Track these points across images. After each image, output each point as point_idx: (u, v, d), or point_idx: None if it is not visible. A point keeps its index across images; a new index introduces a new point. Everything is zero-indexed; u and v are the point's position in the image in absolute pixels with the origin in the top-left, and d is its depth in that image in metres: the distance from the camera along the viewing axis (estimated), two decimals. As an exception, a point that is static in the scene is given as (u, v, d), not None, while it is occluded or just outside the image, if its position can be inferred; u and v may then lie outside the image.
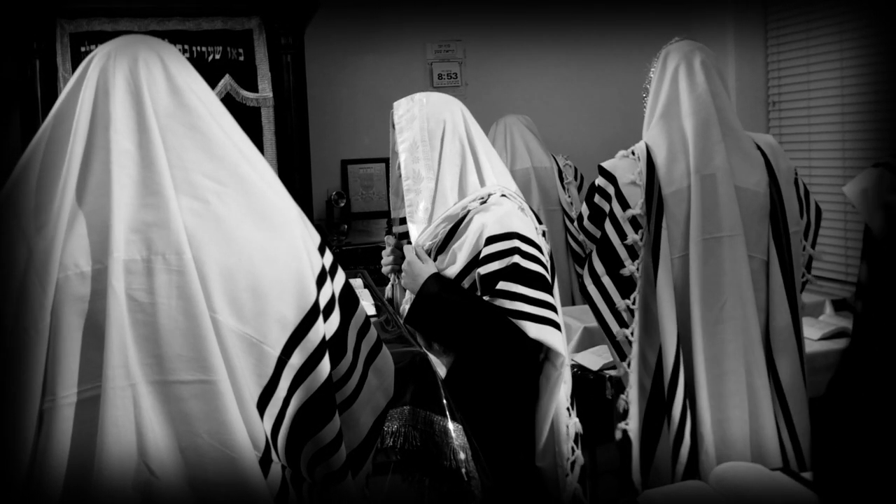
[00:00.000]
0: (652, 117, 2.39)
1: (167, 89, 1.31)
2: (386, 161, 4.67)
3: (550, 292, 2.01)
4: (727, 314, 2.26)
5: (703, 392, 2.25)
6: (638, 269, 2.29)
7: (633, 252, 2.31)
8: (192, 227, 1.26)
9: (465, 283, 2.03)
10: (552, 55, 4.96)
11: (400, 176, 2.14)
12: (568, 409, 2.06)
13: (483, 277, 1.98)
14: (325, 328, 1.34)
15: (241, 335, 1.26)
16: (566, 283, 4.05)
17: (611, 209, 2.34)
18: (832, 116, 4.14)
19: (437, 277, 2.04)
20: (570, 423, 2.05)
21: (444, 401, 1.82)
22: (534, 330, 1.94)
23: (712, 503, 1.85)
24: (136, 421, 1.22)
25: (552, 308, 2.00)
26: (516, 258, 1.96)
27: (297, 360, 1.31)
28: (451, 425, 1.80)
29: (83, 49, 3.51)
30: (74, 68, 3.48)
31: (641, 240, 2.30)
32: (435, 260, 2.08)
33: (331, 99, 4.61)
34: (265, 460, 1.28)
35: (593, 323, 3.13)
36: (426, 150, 2.09)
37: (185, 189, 1.27)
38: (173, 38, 3.55)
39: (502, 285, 1.96)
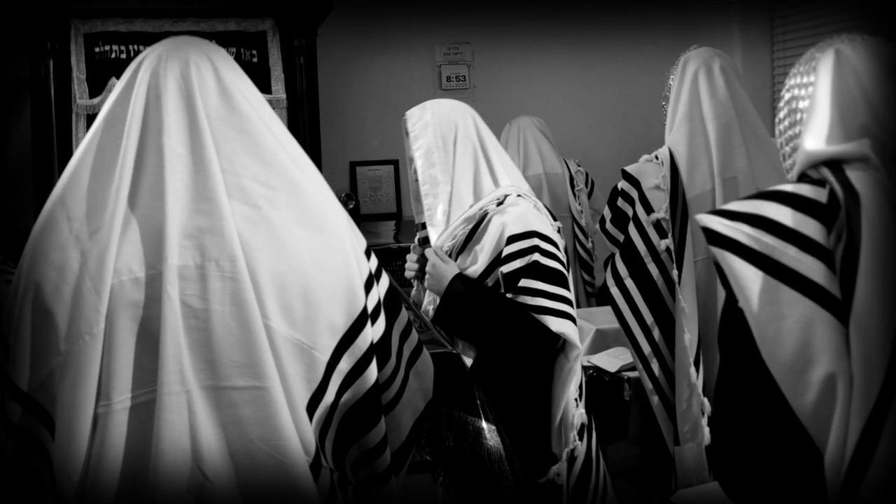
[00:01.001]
0: (673, 122, 2.44)
1: (218, 92, 1.31)
2: (394, 163, 4.68)
3: (568, 287, 2.09)
4: None
5: None
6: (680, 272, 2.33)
7: (656, 255, 2.34)
8: (245, 234, 1.26)
9: (489, 282, 2.11)
10: (560, 58, 4.97)
11: (417, 181, 2.20)
12: (576, 400, 2.11)
13: (506, 275, 2.06)
14: (372, 333, 1.35)
15: (293, 341, 1.27)
16: (573, 289, 4.07)
17: (634, 213, 2.38)
18: (839, 120, 4.15)
19: (461, 277, 2.12)
20: (577, 414, 2.10)
21: (478, 401, 1.83)
22: (555, 324, 2.03)
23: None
24: (190, 426, 1.22)
25: (570, 303, 2.08)
26: (536, 256, 2.04)
27: (345, 365, 1.31)
28: (484, 426, 1.81)
29: (97, 49, 3.50)
30: (88, 68, 3.50)
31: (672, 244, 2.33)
32: (455, 260, 2.16)
33: (339, 100, 4.61)
34: (315, 465, 1.28)
35: (604, 325, 3.15)
36: (441, 156, 2.16)
37: (236, 195, 1.27)
38: (187, 39, 3.54)
39: (524, 282, 2.04)
